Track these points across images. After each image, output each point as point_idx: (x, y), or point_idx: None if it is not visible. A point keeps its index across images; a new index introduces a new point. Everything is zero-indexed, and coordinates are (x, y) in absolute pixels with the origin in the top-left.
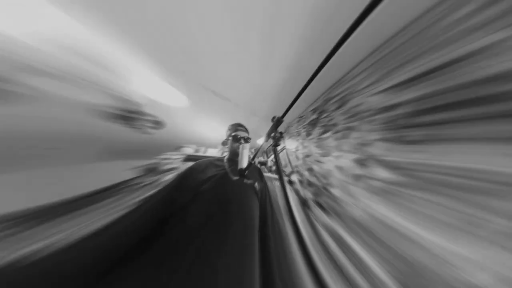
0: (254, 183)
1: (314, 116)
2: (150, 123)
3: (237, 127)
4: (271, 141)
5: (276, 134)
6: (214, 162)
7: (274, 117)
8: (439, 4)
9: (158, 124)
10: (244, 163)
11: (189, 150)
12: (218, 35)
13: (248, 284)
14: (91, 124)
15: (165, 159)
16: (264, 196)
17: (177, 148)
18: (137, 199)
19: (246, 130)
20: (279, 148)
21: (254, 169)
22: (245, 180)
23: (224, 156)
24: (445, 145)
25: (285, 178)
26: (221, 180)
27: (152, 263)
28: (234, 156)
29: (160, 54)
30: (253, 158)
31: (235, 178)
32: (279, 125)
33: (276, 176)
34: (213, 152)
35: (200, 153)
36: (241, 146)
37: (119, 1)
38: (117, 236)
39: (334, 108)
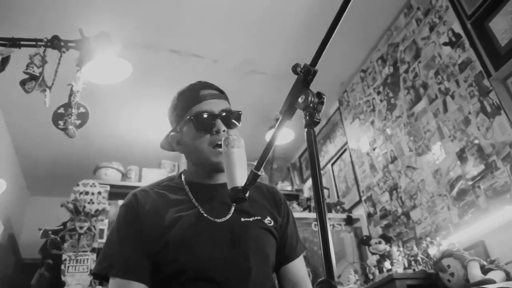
0: (262, 219)
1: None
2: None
3: (208, 91)
4: (303, 119)
5: (311, 99)
6: (162, 191)
7: (297, 66)
8: None
9: (82, 117)
10: (238, 176)
11: (112, 174)
12: None
13: None
14: None
15: (84, 193)
16: (290, 244)
17: (95, 170)
18: None
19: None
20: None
21: (261, 194)
22: (243, 218)
23: (181, 174)
24: None
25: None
26: (194, 228)
27: None
28: (207, 170)
29: None
30: (259, 166)
31: (220, 219)
32: (311, 80)
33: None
34: (156, 177)
35: (131, 180)
36: (224, 141)
37: None
38: None
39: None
